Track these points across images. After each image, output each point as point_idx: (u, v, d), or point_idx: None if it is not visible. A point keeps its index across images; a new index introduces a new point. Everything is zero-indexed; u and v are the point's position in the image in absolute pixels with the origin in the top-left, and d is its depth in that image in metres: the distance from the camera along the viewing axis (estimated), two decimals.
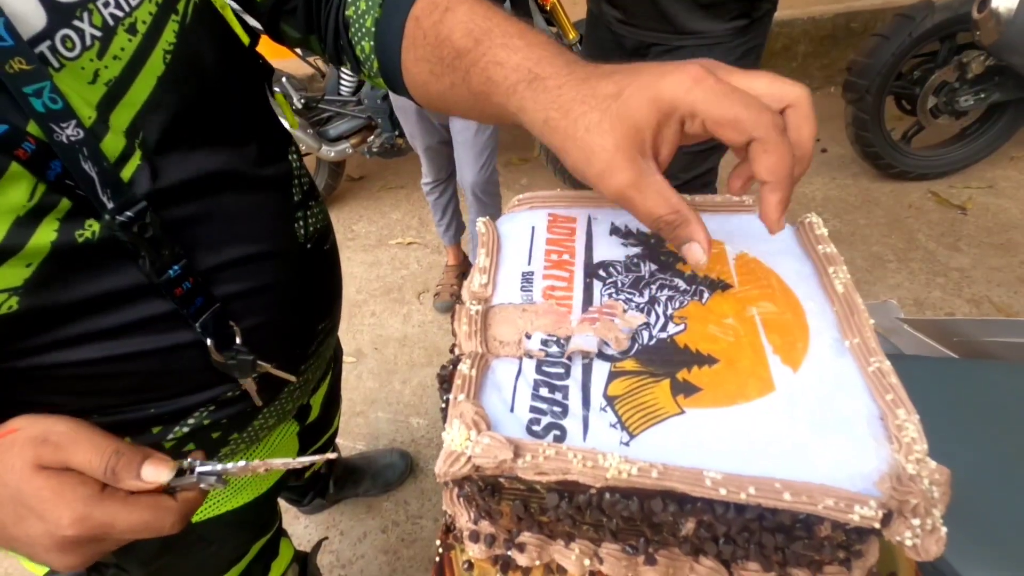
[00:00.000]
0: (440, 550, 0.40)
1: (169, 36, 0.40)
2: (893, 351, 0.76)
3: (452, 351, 0.40)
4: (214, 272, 0.45)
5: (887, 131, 2.09)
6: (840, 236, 2.04)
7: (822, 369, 0.35)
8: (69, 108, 0.35)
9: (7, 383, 0.41)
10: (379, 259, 2.26)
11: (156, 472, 0.35)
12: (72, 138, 0.35)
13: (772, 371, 0.35)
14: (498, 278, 0.43)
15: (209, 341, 0.45)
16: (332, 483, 1.39)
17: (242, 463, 0.37)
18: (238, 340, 0.47)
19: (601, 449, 0.31)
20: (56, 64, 0.35)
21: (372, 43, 0.46)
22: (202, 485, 0.37)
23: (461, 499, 0.37)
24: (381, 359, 1.84)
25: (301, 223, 0.54)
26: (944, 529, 0.29)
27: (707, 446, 0.32)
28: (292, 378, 0.55)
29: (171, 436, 0.50)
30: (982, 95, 1.98)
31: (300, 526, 1.44)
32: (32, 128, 0.34)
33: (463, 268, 1.98)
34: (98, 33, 0.37)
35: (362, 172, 2.79)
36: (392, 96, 1.66)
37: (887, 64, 1.94)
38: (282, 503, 1.35)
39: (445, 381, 0.38)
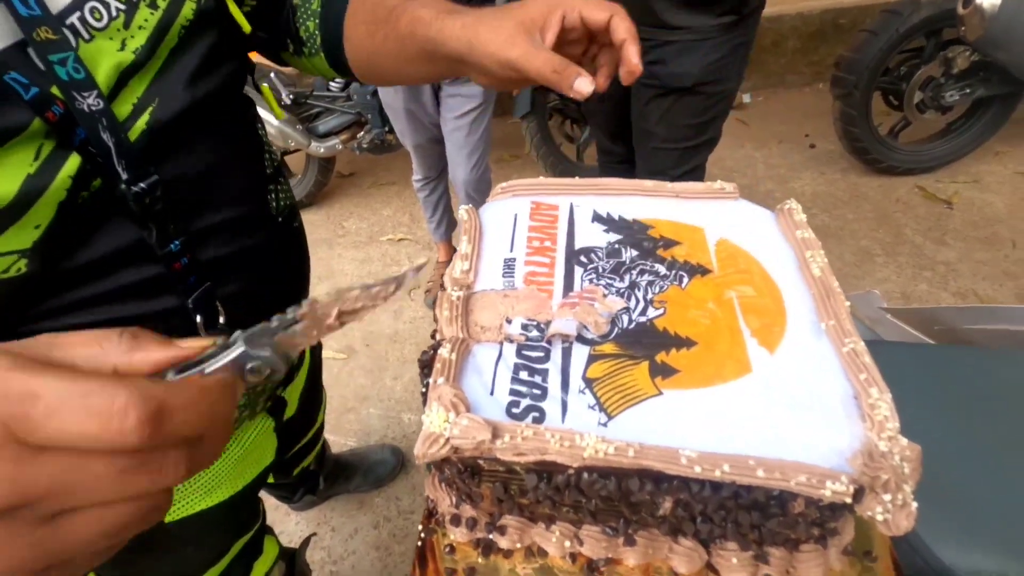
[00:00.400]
0: (422, 535, 0.40)
1: (188, 12, 0.43)
2: (875, 340, 0.77)
3: (433, 336, 0.40)
4: (200, 236, 0.47)
5: (874, 126, 2.11)
6: (829, 230, 2.06)
7: (798, 351, 0.36)
8: (91, 78, 0.37)
9: None
10: (370, 256, 2.25)
11: (195, 341, 0.23)
12: (92, 107, 0.37)
13: (749, 353, 0.36)
14: (480, 265, 0.43)
15: (198, 318, 0.47)
16: (323, 479, 1.38)
17: (306, 304, 0.23)
18: (222, 320, 0.48)
19: (579, 430, 0.31)
20: (86, 35, 0.37)
21: (316, 21, 0.55)
22: (249, 365, 0.23)
23: (442, 483, 0.37)
24: (372, 355, 1.83)
25: (273, 196, 0.56)
26: (914, 504, 0.29)
27: (684, 426, 0.32)
28: None
29: None
30: (967, 90, 2.00)
31: (291, 523, 1.43)
32: (56, 93, 0.36)
33: None
34: (122, 6, 0.39)
35: (352, 168, 2.78)
36: (381, 94, 1.64)
37: (874, 60, 1.95)
38: (273, 500, 1.35)
39: (426, 366, 0.39)
